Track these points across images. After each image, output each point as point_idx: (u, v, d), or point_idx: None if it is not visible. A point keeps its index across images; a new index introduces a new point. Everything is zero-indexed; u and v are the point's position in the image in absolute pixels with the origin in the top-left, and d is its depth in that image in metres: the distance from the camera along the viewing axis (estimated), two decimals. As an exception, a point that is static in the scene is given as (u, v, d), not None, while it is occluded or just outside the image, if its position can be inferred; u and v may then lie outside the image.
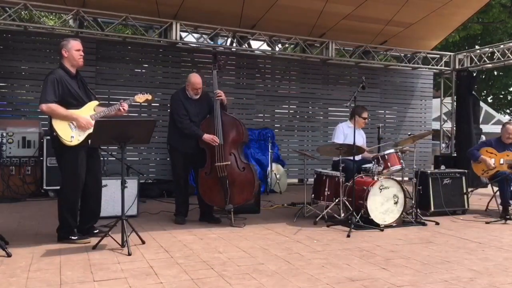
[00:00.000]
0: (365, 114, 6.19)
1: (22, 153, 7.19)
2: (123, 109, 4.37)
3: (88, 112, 4.29)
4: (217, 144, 5.20)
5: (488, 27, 17.93)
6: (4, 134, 7.09)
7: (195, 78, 5.39)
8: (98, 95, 4.62)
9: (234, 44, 9.66)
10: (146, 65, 8.81)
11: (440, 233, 5.14)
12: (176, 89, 8.71)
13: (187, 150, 5.36)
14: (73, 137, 4.16)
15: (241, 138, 5.40)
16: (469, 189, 6.56)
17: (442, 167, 7.38)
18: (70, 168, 4.23)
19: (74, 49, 4.29)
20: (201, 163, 5.36)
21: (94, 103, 4.39)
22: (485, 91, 21.28)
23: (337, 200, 5.49)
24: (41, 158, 7.14)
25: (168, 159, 8.78)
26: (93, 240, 4.25)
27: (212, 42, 9.73)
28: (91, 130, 4.19)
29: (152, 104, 8.69)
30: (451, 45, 17.59)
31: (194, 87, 5.37)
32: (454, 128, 11.00)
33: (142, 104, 4.85)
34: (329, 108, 10.35)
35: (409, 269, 3.68)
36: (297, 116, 10.10)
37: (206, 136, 5.21)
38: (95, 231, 4.54)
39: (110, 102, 7.81)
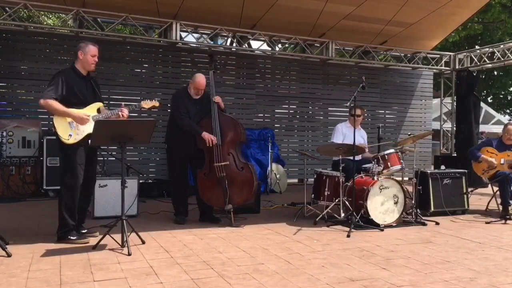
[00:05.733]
0: (357, 111, 6.07)
1: (22, 153, 7.19)
2: (123, 115, 4.40)
3: (90, 112, 4.34)
4: (213, 144, 5.19)
5: (488, 27, 17.94)
6: (4, 134, 7.09)
7: (200, 79, 5.38)
8: (98, 96, 4.63)
9: (234, 44, 9.66)
10: (146, 65, 8.82)
11: (440, 233, 5.14)
12: (176, 89, 8.85)
13: (185, 150, 5.36)
14: (71, 135, 4.21)
15: (239, 138, 5.39)
16: (469, 189, 6.56)
17: (442, 167, 7.37)
18: (68, 166, 4.28)
19: (90, 54, 4.38)
20: (200, 164, 5.36)
21: (99, 104, 4.44)
22: (485, 91, 21.28)
23: (337, 200, 5.48)
24: (41, 158, 7.14)
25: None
26: (93, 240, 4.26)
27: (212, 42, 9.73)
28: (90, 130, 4.19)
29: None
30: (451, 45, 17.60)
31: (196, 86, 5.36)
32: (454, 128, 11.00)
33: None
34: (329, 108, 10.35)
35: (409, 269, 3.68)
36: (297, 116, 10.10)
37: (206, 134, 5.20)
38: (83, 231, 4.53)
39: (110, 102, 7.83)
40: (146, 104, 4.60)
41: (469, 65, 10.68)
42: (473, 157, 6.46)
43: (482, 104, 14.68)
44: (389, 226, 5.31)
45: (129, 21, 8.11)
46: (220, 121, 5.32)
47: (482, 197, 7.59)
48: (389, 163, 5.61)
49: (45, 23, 10.52)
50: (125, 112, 4.42)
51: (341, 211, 5.47)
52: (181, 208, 5.47)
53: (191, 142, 5.33)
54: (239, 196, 5.28)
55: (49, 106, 4.19)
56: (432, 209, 6.13)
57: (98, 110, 4.41)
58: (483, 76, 20.13)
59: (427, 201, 6.14)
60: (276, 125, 9.79)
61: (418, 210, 5.75)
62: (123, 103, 4.60)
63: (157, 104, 4.64)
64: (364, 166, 5.87)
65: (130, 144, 4.27)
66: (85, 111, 4.31)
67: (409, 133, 7.16)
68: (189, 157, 5.42)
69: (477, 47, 15.34)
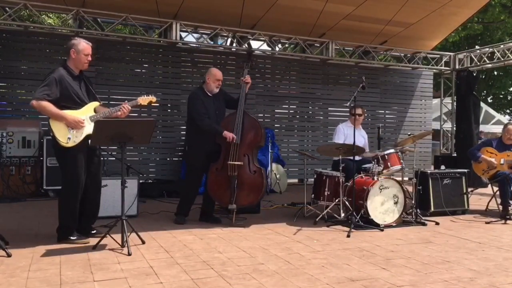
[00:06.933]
0: (357, 111, 6.10)
1: (22, 153, 7.19)
2: (124, 111, 4.30)
3: (87, 113, 4.24)
4: (233, 142, 5.19)
5: (488, 27, 17.95)
6: (4, 134, 7.09)
7: (216, 70, 5.44)
8: (98, 95, 4.53)
9: (234, 44, 9.66)
10: (146, 65, 8.81)
11: (440, 233, 5.14)
12: (177, 89, 8.87)
13: (208, 148, 5.34)
14: (69, 138, 4.10)
15: (258, 141, 5.37)
16: (469, 189, 6.56)
17: (442, 167, 7.36)
18: (68, 170, 4.21)
19: (83, 53, 4.25)
20: (215, 158, 5.36)
21: (95, 104, 4.33)
22: (485, 91, 21.29)
23: (337, 200, 5.49)
24: (41, 158, 7.14)
25: (168, 159, 8.86)
26: (93, 240, 4.25)
27: (212, 42, 9.73)
28: (88, 131, 4.16)
29: (152, 104, 8.69)
30: (451, 45, 17.62)
31: (216, 78, 5.38)
32: (454, 128, 11.00)
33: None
34: (329, 108, 10.35)
35: (409, 269, 3.68)
36: (297, 116, 10.10)
37: (226, 133, 5.19)
38: (93, 232, 4.53)
39: (110, 102, 7.82)
40: (143, 100, 4.45)
41: (469, 65, 10.68)
42: (473, 157, 6.46)
43: (482, 104, 14.70)
44: (389, 226, 5.31)
45: (129, 21, 8.11)
46: (244, 121, 5.31)
47: (482, 197, 7.59)
48: (389, 163, 5.62)
49: (45, 23, 10.51)
50: (126, 107, 4.31)
51: (341, 211, 5.47)
52: (186, 207, 5.45)
53: (211, 139, 5.32)
54: (245, 199, 5.28)
55: (42, 107, 4.05)
56: (432, 209, 6.13)
57: (95, 110, 4.29)
58: (483, 76, 20.13)
59: (427, 201, 6.14)
60: (276, 125, 9.79)
61: (418, 210, 5.74)
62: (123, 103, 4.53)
63: (154, 99, 4.50)
64: (364, 166, 5.88)
65: (130, 144, 4.24)
66: (81, 113, 4.19)
67: (409, 133, 7.16)
68: (210, 154, 5.37)
69: (477, 47, 15.34)
